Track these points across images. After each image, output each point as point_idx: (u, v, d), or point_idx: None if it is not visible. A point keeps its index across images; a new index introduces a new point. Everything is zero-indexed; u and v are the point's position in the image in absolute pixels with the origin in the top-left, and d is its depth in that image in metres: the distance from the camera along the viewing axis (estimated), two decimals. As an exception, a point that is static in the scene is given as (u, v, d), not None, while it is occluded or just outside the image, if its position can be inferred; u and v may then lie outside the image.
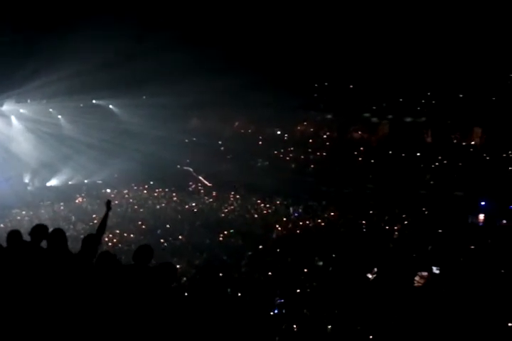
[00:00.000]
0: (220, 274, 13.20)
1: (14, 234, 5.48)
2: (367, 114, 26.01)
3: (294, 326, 10.23)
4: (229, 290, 12.10)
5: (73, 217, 20.11)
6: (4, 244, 5.47)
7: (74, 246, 5.61)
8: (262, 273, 13.85)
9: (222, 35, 20.10)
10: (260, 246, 16.50)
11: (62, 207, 22.01)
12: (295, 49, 21.60)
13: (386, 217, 19.12)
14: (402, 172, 23.33)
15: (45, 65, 18.88)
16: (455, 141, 23.99)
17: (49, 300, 4.83)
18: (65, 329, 4.72)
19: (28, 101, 23.53)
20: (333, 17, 20.10)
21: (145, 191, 24.50)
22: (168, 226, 18.77)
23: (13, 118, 24.43)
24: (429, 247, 15.67)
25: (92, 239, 5.59)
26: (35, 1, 16.33)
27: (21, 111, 24.39)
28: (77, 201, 23.04)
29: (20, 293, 4.89)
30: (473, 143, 23.70)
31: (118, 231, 17.74)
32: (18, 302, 4.84)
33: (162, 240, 16.72)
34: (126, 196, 23.64)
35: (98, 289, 4.93)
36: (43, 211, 21.41)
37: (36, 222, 17.07)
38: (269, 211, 21.01)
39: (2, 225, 17.37)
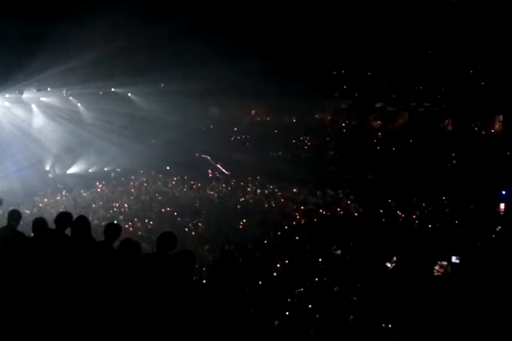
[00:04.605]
0: (236, 261, 13.23)
1: (39, 222, 5.57)
2: (386, 102, 25.72)
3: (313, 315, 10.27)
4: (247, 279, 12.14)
5: (94, 205, 20.33)
6: (30, 230, 5.57)
7: (95, 233, 5.62)
8: (278, 261, 13.91)
9: (239, 22, 19.99)
10: (278, 233, 16.54)
11: (83, 195, 22.25)
12: (313, 36, 21.40)
13: (405, 206, 19.00)
14: (421, 161, 23.11)
15: (63, 53, 18.92)
16: (476, 129, 23.65)
17: (73, 286, 4.91)
18: (87, 314, 4.79)
19: (48, 89, 23.59)
20: (351, 5, 19.88)
21: (163, 179, 24.62)
22: (186, 213, 18.89)
23: (33, 106, 24.61)
24: (448, 236, 15.58)
25: (114, 229, 5.54)
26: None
27: (42, 99, 24.50)
28: (98, 190, 23.23)
29: (47, 279, 4.98)
30: (493, 131, 23.35)
31: (137, 219, 17.94)
32: (44, 288, 4.93)
33: (181, 227, 16.84)
34: (145, 184, 23.78)
35: (121, 276, 4.99)
36: (64, 198, 21.67)
37: (58, 209, 17.37)
38: (287, 199, 21.01)
39: (28, 211, 17.64)
